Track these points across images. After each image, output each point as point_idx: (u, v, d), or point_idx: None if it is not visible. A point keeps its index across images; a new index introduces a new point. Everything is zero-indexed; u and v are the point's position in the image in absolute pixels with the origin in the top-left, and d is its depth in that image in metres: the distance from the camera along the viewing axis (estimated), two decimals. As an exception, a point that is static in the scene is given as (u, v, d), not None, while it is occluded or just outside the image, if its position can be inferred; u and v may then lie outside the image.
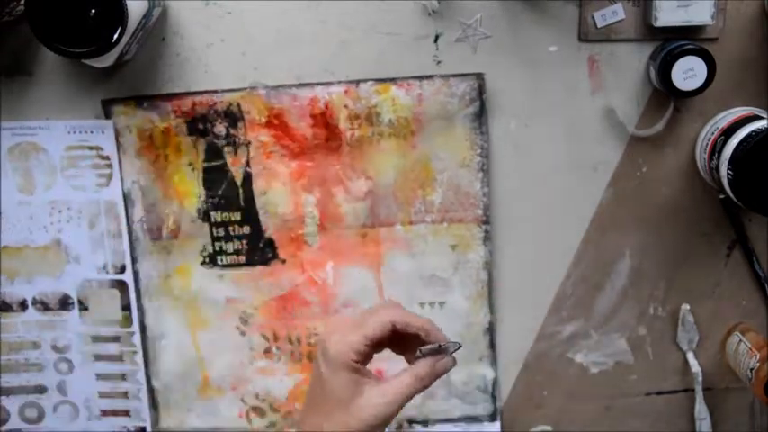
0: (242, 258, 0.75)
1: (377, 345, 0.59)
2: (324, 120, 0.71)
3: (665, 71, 0.66)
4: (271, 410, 0.79)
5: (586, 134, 0.72)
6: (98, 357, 0.77)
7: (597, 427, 0.79)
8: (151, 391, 0.78)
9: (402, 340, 0.60)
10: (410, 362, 0.60)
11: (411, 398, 0.58)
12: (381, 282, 0.75)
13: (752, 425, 0.79)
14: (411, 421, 0.79)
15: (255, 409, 0.79)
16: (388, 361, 0.78)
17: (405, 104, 0.70)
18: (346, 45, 0.70)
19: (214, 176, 0.73)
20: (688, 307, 0.76)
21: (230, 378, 0.78)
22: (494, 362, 0.77)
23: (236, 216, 0.74)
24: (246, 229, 0.74)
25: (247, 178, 0.73)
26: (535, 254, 0.75)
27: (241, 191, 0.73)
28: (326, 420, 0.57)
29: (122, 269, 0.75)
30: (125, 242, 0.74)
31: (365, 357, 0.58)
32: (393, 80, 0.70)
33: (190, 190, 0.74)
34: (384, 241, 0.74)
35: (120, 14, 0.60)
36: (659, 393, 0.78)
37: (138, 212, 0.74)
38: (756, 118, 0.65)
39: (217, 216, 0.74)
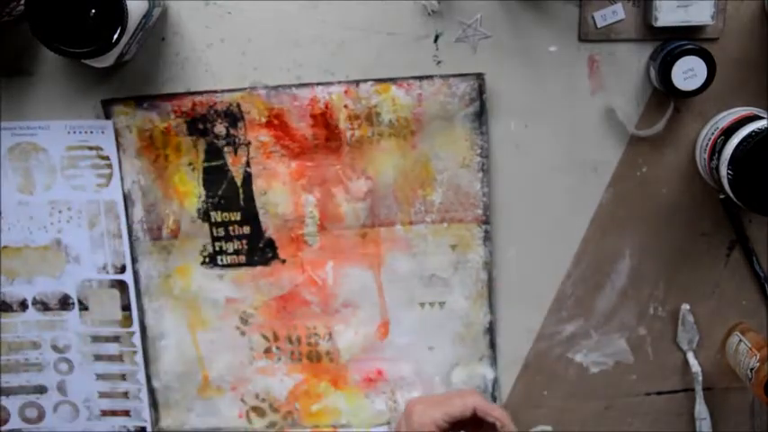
0: (242, 258, 0.75)
1: (455, 423, 0.68)
2: (324, 120, 0.71)
3: (665, 71, 0.66)
4: (271, 410, 0.79)
5: (586, 134, 0.72)
6: (98, 357, 0.77)
7: (597, 427, 0.79)
8: (151, 391, 0.78)
9: (478, 426, 0.69)
10: None
11: None
12: (381, 282, 0.75)
13: (752, 425, 0.79)
14: (411, 421, 0.79)
15: (255, 409, 0.79)
16: (389, 362, 0.78)
17: (405, 104, 0.70)
18: (346, 45, 0.70)
19: (214, 176, 0.73)
20: (688, 307, 0.76)
21: (230, 378, 0.78)
22: (494, 362, 0.77)
23: (236, 216, 0.74)
24: (246, 229, 0.74)
25: (247, 178, 0.73)
26: (535, 254, 0.75)
27: (241, 191, 0.73)
28: None
29: (122, 269, 0.75)
30: (125, 242, 0.74)
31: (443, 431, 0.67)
32: (393, 80, 0.70)
33: (190, 190, 0.74)
34: (384, 241, 0.74)
35: (120, 14, 0.60)
36: (659, 393, 0.78)
37: (138, 212, 0.74)
38: (756, 118, 0.65)
39: (217, 216, 0.74)
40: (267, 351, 0.77)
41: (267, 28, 0.70)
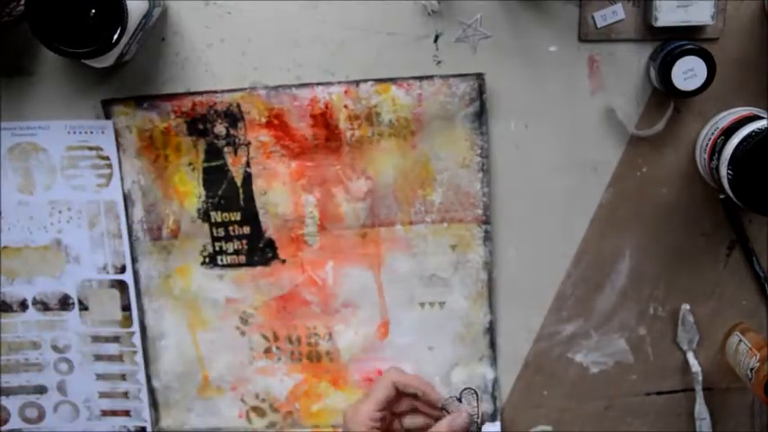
0: (242, 258, 0.75)
1: (395, 409, 0.68)
2: (324, 120, 0.71)
3: (665, 71, 0.66)
4: (271, 410, 0.79)
5: (586, 134, 0.72)
6: (98, 357, 0.77)
7: (597, 427, 0.79)
8: (151, 391, 0.78)
9: (417, 410, 0.69)
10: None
11: None
12: (381, 282, 0.75)
13: (752, 425, 0.79)
14: (411, 421, 0.79)
15: (255, 409, 0.79)
16: (389, 362, 0.78)
17: (405, 104, 0.70)
18: (346, 45, 0.70)
19: (214, 176, 0.73)
20: (688, 307, 0.76)
21: (230, 378, 0.78)
22: (494, 362, 0.77)
23: (236, 216, 0.74)
24: (246, 229, 0.74)
25: (247, 178, 0.73)
26: (535, 254, 0.75)
27: (241, 191, 0.73)
28: None
29: (122, 269, 0.75)
30: (125, 242, 0.74)
31: (383, 422, 0.66)
32: (393, 80, 0.70)
33: (190, 190, 0.74)
34: (384, 241, 0.74)
35: (120, 14, 0.60)
36: (659, 393, 0.78)
37: (138, 212, 0.74)
38: (756, 118, 0.65)
39: (217, 216, 0.74)
40: (267, 351, 0.77)
41: (267, 28, 0.70)
